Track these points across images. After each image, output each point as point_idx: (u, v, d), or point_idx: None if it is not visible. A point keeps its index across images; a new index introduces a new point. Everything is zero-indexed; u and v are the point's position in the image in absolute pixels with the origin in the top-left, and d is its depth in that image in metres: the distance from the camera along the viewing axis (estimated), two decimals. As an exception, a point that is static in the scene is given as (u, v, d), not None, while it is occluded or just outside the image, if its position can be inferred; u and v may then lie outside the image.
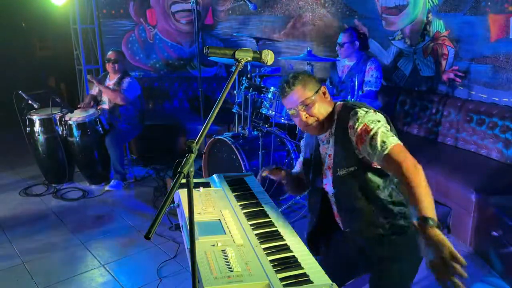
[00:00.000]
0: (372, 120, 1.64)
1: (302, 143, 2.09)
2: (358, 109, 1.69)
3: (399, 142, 1.59)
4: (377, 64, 3.85)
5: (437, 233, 1.30)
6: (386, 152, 1.55)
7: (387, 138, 1.58)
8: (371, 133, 1.60)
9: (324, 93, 1.81)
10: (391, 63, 4.64)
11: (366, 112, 1.68)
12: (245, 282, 1.28)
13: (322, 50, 5.19)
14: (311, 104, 1.76)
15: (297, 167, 2.15)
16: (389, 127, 1.67)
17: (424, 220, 1.34)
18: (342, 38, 3.86)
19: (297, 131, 3.72)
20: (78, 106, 4.56)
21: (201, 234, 1.53)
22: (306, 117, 1.77)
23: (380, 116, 1.68)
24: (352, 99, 1.78)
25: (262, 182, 2.08)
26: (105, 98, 4.48)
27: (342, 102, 1.83)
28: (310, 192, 1.99)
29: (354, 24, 4.84)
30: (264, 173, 2.09)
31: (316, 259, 1.48)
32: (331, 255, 1.97)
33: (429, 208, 1.38)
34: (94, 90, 4.61)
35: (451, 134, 4.01)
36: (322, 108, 1.78)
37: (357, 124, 1.64)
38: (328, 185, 1.84)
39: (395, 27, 4.54)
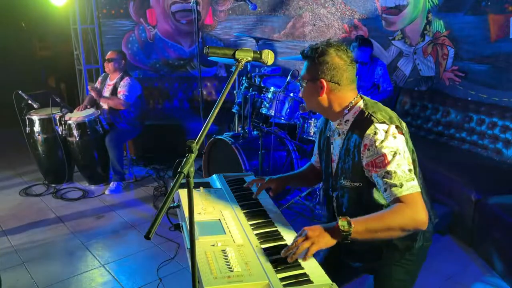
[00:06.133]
0: (392, 150, 1.45)
1: (315, 128, 1.97)
2: (377, 125, 1.49)
3: (418, 190, 1.44)
4: (384, 67, 4.20)
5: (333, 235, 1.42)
6: (398, 196, 1.43)
7: (406, 182, 1.43)
8: (388, 168, 1.45)
9: (320, 88, 1.58)
10: (391, 63, 4.64)
11: (386, 132, 1.48)
12: (245, 282, 1.27)
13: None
14: (303, 87, 1.65)
15: (314, 157, 1.99)
16: (408, 155, 1.49)
17: (347, 223, 1.41)
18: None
19: (297, 131, 3.71)
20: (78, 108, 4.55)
21: (201, 234, 1.52)
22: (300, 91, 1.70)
23: (400, 141, 1.49)
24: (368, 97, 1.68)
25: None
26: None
27: (360, 104, 1.62)
28: (323, 180, 1.85)
29: (353, 24, 4.84)
30: (247, 186, 1.95)
31: (317, 258, 1.48)
32: (331, 255, 1.96)
33: (362, 228, 1.41)
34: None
35: (451, 134, 4.01)
36: (309, 100, 1.66)
37: (375, 149, 1.47)
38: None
39: (395, 27, 4.55)
